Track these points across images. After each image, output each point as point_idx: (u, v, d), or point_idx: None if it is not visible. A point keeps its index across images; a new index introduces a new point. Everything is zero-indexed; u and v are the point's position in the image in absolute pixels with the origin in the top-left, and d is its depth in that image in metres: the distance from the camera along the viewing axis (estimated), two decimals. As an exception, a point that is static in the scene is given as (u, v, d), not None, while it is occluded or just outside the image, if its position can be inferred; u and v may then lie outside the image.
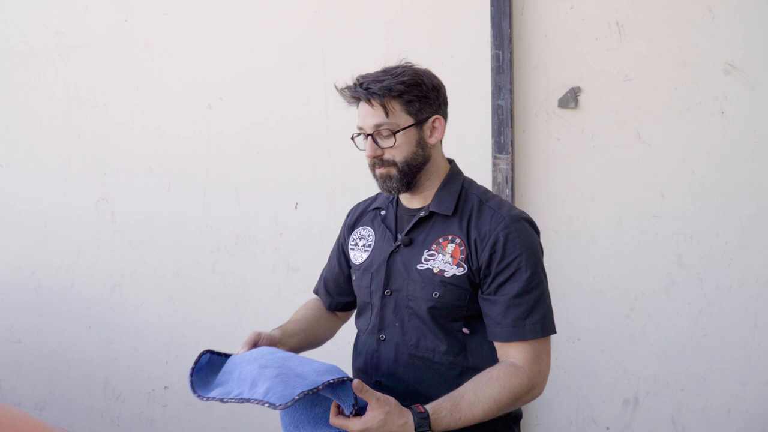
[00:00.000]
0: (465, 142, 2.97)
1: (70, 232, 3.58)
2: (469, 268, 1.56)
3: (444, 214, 1.61)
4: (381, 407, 1.39)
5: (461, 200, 1.63)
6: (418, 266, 1.59)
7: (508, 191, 2.84)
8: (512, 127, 2.85)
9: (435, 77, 1.65)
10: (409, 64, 1.63)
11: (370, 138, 1.59)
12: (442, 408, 1.45)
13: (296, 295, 3.03)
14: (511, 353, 1.54)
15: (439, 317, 1.58)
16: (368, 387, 1.40)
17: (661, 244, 2.77)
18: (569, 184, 2.85)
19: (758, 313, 2.68)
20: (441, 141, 1.69)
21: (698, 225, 2.73)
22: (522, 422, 2.85)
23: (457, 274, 1.56)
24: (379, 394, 1.41)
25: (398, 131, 1.57)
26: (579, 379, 2.86)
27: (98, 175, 3.53)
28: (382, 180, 1.62)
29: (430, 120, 1.62)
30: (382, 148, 1.58)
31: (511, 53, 2.85)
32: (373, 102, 1.56)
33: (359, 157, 2.87)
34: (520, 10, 2.88)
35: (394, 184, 1.61)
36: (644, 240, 2.78)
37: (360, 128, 1.62)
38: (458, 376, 1.59)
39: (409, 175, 1.61)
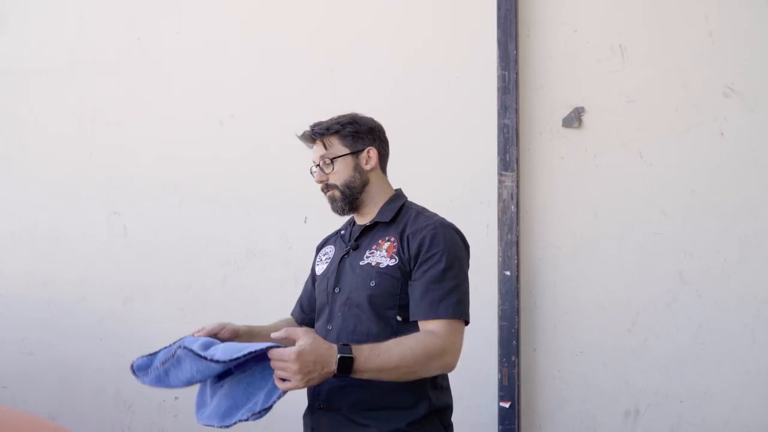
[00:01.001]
0: (471, 159, 3.06)
1: (81, 246, 3.64)
2: (400, 259, 1.83)
3: (383, 221, 1.92)
4: (308, 334, 1.62)
5: (400, 212, 1.94)
6: (361, 263, 1.88)
7: (513, 208, 2.92)
8: (517, 145, 2.93)
9: (372, 121, 2.02)
10: (353, 114, 2.00)
11: (318, 168, 1.96)
12: (365, 346, 1.67)
13: (306, 308, 3.09)
14: (429, 327, 1.76)
15: (376, 304, 1.82)
16: (293, 329, 1.64)
17: (662, 260, 2.85)
18: (572, 201, 2.93)
19: (756, 328, 2.76)
20: (384, 172, 2.03)
21: (698, 242, 2.81)
22: (525, 433, 2.95)
23: (390, 264, 1.84)
24: (304, 328, 1.74)
25: (335, 158, 1.94)
26: (582, 391, 2.93)
27: (110, 190, 3.60)
28: (331, 202, 1.96)
29: (365, 150, 1.96)
30: (326, 174, 1.94)
31: (516, 74, 2.93)
32: (316, 139, 1.97)
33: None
34: (525, 32, 2.97)
35: (339, 204, 1.95)
36: (646, 256, 2.86)
37: (313, 162, 2.00)
38: None
39: (350, 197, 1.94)
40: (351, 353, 1.61)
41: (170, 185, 3.51)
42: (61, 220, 3.68)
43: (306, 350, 1.57)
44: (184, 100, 3.51)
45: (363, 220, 1.99)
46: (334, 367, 1.59)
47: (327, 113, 3.21)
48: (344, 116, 1.99)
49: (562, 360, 2.94)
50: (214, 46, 3.47)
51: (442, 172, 3.08)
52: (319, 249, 2.18)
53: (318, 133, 1.96)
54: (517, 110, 2.93)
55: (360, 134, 1.97)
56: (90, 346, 3.61)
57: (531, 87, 2.97)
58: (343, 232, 2.08)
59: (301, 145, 3.26)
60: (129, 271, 3.56)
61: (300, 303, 2.24)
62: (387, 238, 1.88)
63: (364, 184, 1.96)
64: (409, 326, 1.80)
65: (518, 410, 2.90)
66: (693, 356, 2.82)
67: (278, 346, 1.59)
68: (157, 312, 3.51)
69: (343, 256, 1.96)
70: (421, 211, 1.95)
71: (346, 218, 2.13)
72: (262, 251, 3.38)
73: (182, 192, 3.50)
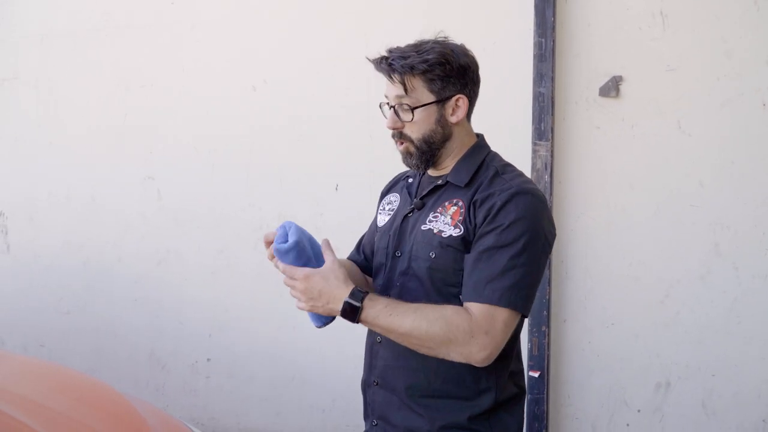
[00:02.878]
0: (505, 128, 3.02)
1: (117, 209, 3.70)
2: (466, 228, 1.53)
3: (457, 184, 1.60)
4: (333, 261, 1.51)
5: (478, 172, 1.60)
6: (422, 227, 1.59)
7: (547, 178, 2.89)
8: (553, 114, 2.90)
9: (466, 56, 1.61)
10: (443, 39, 1.62)
11: (392, 110, 1.60)
12: (380, 299, 1.49)
13: (337, 274, 3.12)
14: (472, 309, 1.48)
15: (436, 279, 1.55)
16: (327, 245, 1.55)
17: (698, 232, 2.81)
18: (608, 172, 2.90)
19: (793, 303, 2.72)
20: (469, 119, 1.67)
21: (736, 215, 2.77)
22: (553, 403, 2.96)
23: (453, 234, 1.53)
24: (336, 259, 1.53)
25: (416, 107, 1.57)
26: (612, 362, 2.93)
27: (145, 154, 3.64)
28: (404, 156, 1.63)
29: (453, 99, 1.59)
30: (402, 122, 1.59)
31: (553, 41, 2.88)
32: (394, 78, 1.57)
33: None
34: (564, -2, 2.91)
35: (414, 161, 1.62)
36: (681, 229, 2.83)
37: (385, 97, 1.63)
38: None
39: (428, 153, 1.60)
40: (360, 302, 1.45)
41: (204, 150, 3.54)
42: (96, 183, 3.74)
43: (315, 277, 1.47)
44: (217, 64, 3.51)
45: (436, 171, 1.66)
46: (338, 307, 1.46)
47: (360, 80, 3.24)
48: (430, 47, 1.57)
49: (592, 331, 2.93)
50: (247, 11, 3.46)
51: (476, 140, 3.05)
52: (385, 192, 1.85)
53: (397, 71, 1.55)
54: (553, 78, 2.89)
55: (450, 78, 1.57)
56: (125, 307, 3.69)
57: (568, 55, 2.92)
58: (411, 179, 1.75)
59: (334, 113, 3.30)
60: (163, 235, 3.62)
61: (362, 248, 1.90)
62: (454, 202, 1.57)
63: (446, 139, 1.61)
64: None
65: (547, 380, 2.91)
66: (726, 330, 2.80)
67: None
68: (190, 275, 3.58)
69: (407, 214, 1.66)
70: (502, 171, 1.59)
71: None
72: (294, 217, 3.38)
73: (215, 157, 3.52)
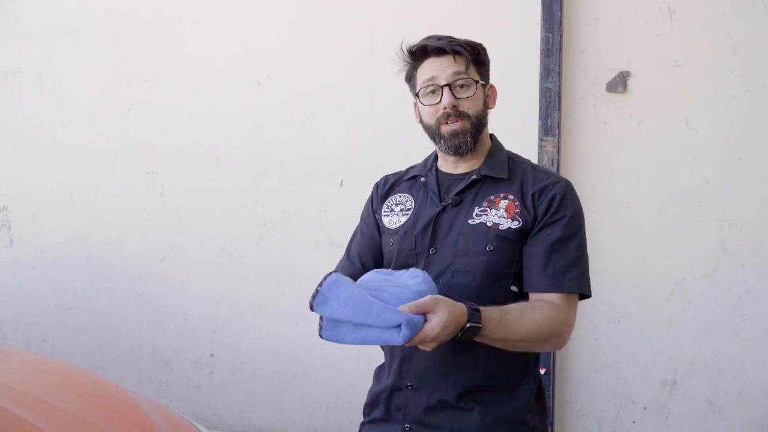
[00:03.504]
0: (512, 123, 2.99)
1: (120, 205, 3.69)
2: (525, 221, 1.56)
3: (499, 177, 1.62)
4: (441, 304, 1.38)
5: (510, 167, 1.65)
6: (470, 222, 1.59)
7: (552, 174, 2.87)
8: (559, 109, 2.88)
9: None
10: None
11: (446, 88, 1.59)
12: (493, 312, 1.45)
13: (341, 270, 3.11)
14: (548, 298, 1.54)
15: (492, 272, 1.56)
16: (423, 303, 1.38)
17: (705, 229, 2.79)
18: (615, 168, 2.88)
19: (800, 300, 2.70)
20: None
21: (743, 212, 2.75)
22: (558, 399, 2.94)
23: (512, 227, 1.56)
24: (432, 297, 1.40)
25: (477, 82, 1.61)
26: (618, 359, 2.91)
27: (148, 150, 3.62)
28: (453, 136, 1.61)
29: (489, 86, 1.69)
30: (458, 99, 1.59)
31: (560, 36, 2.86)
32: (456, 55, 1.60)
33: (403, 135, 2.92)
34: (570, -7, 2.89)
35: (467, 139, 1.61)
36: (687, 225, 2.81)
37: (430, 81, 1.62)
38: None
39: (477, 133, 1.63)
40: (480, 322, 1.41)
41: (207, 145, 3.52)
42: (100, 179, 3.73)
43: (447, 323, 1.36)
44: (221, 60, 3.50)
45: (458, 168, 1.67)
46: (459, 332, 1.41)
47: (364, 76, 3.22)
48: (473, 40, 1.65)
49: (598, 327, 2.92)
50: (250, 6, 3.44)
51: (481, 136, 3.04)
52: (384, 195, 1.79)
53: (461, 46, 1.59)
54: (560, 74, 2.87)
55: (487, 66, 1.67)
56: (128, 303, 3.68)
57: (575, 50, 2.90)
58: (422, 179, 1.73)
59: (338, 109, 3.27)
60: (166, 231, 3.60)
61: (359, 257, 1.78)
62: (502, 195, 1.59)
63: (485, 124, 1.66)
64: (522, 299, 1.58)
65: (553, 377, 2.89)
66: (732, 327, 2.78)
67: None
68: (193, 271, 3.56)
69: (440, 211, 1.64)
70: (534, 165, 1.68)
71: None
72: (298, 213, 3.39)
73: (219, 152, 3.51)
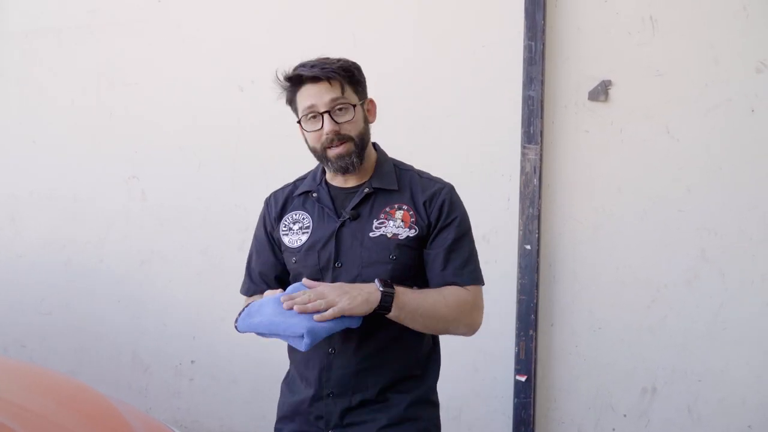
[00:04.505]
0: (494, 131, 3.02)
1: (100, 209, 3.65)
2: (420, 228, 1.71)
3: (389, 188, 1.74)
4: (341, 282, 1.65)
5: (398, 176, 1.77)
6: (371, 234, 1.70)
7: (535, 181, 2.88)
8: (542, 118, 2.89)
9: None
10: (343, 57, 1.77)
11: (327, 115, 1.66)
12: (404, 288, 1.64)
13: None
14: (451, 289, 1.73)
15: (395, 277, 1.67)
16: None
17: (685, 238, 2.81)
18: (596, 176, 2.90)
19: (779, 308, 2.73)
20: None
21: (723, 220, 2.77)
22: (540, 407, 2.95)
23: (410, 235, 1.70)
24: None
25: (354, 105, 1.69)
26: (598, 367, 2.92)
27: (129, 153, 3.60)
28: (339, 158, 1.68)
29: (367, 101, 1.76)
30: (339, 123, 1.66)
31: (543, 45, 2.88)
32: (331, 80, 1.66)
33: (387, 141, 2.92)
34: (554, 2, 2.90)
35: (353, 159, 1.69)
36: (668, 233, 2.83)
37: (310, 108, 1.69)
38: (404, 331, 1.69)
39: (362, 151, 1.71)
40: (392, 287, 1.59)
41: (189, 150, 3.50)
42: (79, 182, 3.69)
43: (338, 284, 1.62)
44: (204, 63, 3.48)
45: (349, 182, 1.76)
46: (376, 296, 1.57)
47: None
48: (340, 59, 1.73)
49: (579, 335, 2.93)
50: (234, 10, 3.43)
51: (465, 143, 3.05)
52: (279, 214, 1.86)
53: (334, 72, 1.66)
54: (542, 82, 2.88)
55: (362, 83, 1.75)
56: (107, 308, 3.64)
57: (557, 58, 2.92)
58: (315, 194, 1.80)
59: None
60: (147, 235, 3.58)
61: (262, 278, 1.88)
62: (398, 206, 1.72)
63: (368, 139, 1.75)
64: None
65: (534, 384, 2.90)
66: (712, 335, 2.80)
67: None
68: (174, 275, 3.53)
69: (340, 226, 1.73)
70: (419, 172, 1.81)
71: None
72: (281, 218, 3.37)
73: (201, 156, 3.49)
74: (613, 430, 2.91)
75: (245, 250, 3.39)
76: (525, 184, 2.90)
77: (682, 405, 2.84)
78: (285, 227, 1.82)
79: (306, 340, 1.52)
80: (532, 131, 2.89)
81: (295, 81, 1.72)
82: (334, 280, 1.69)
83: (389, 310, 1.59)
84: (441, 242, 1.71)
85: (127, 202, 3.60)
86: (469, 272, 1.72)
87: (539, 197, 2.88)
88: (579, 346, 2.92)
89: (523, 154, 2.91)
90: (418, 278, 1.74)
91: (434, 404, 1.82)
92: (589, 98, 2.89)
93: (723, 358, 2.79)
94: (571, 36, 2.91)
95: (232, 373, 3.47)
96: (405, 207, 1.72)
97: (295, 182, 1.92)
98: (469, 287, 1.72)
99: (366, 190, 1.74)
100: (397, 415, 1.70)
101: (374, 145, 1.82)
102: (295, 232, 1.78)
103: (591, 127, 2.90)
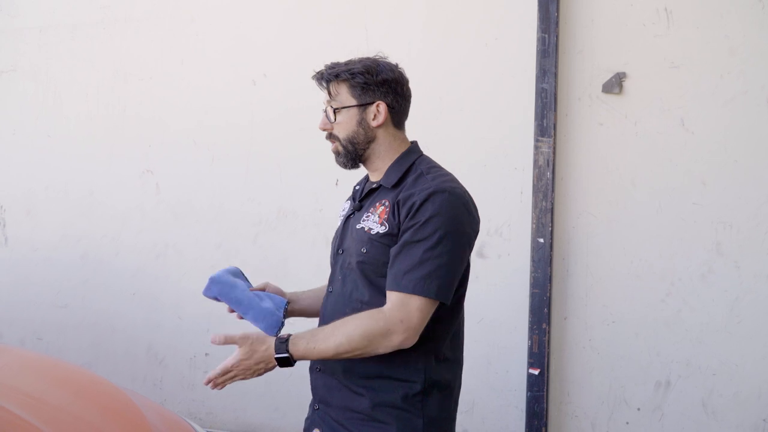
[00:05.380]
0: (507, 124, 3.01)
1: (115, 203, 3.68)
2: (390, 225, 1.69)
3: (388, 186, 1.76)
4: (245, 341, 1.66)
5: (406, 175, 1.76)
6: (357, 226, 1.76)
7: (549, 174, 2.87)
8: (555, 110, 2.88)
9: (392, 71, 1.80)
10: (379, 58, 1.83)
11: (323, 114, 1.80)
12: (302, 336, 1.66)
13: (337, 270, 3.11)
14: (389, 298, 1.66)
15: (367, 271, 1.71)
16: (231, 334, 1.67)
17: (700, 231, 2.80)
18: (610, 169, 2.88)
19: (795, 302, 2.71)
20: (398, 126, 1.82)
21: (738, 213, 2.75)
22: (553, 400, 2.95)
23: (380, 231, 1.70)
24: (241, 332, 1.68)
25: (338, 109, 1.76)
26: (612, 360, 2.92)
27: (143, 148, 3.62)
28: (334, 155, 1.81)
29: (374, 105, 1.76)
30: (331, 123, 1.78)
31: (557, 37, 2.86)
32: (329, 83, 1.79)
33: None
34: (567, -6, 2.89)
35: (342, 159, 1.79)
36: (683, 227, 2.81)
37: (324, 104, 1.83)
38: None
39: (353, 153, 1.77)
40: (286, 352, 1.63)
41: (203, 144, 3.52)
42: (95, 177, 3.72)
43: (245, 358, 1.66)
44: (217, 58, 3.49)
45: (374, 176, 1.83)
46: (274, 364, 1.66)
47: (361, 74, 3.22)
48: (360, 62, 1.79)
49: (593, 329, 2.92)
50: (247, 4, 3.44)
51: (477, 136, 3.04)
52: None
53: (326, 78, 1.78)
54: (556, 74, 2.87)
55: (370, 86, 1.76)
56: (123, 301, 3.67)
57: (571, 51, 2.90)
58: (357, 187, 1.91)
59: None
60: (161, 229, 3.60)
61: None
62: (383, 202, 1.74)
63: (369, 140, 1.77)
64: None
65: (547, 377, 2.90)
66: (727, 329, 2.79)
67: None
68: (189, 269, 3.56)
69: (349, 216, 1.84)
70: (426, 172, 1.74)
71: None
72: (294, 212, 3.38)
73: (215, 151, 3.50)
74: (627, 423, 2.91)
75: (258, 243, 3.45)
76: (538, 178, 2.89)
77: (696, 399, 2.83)
78: (340, 215, 1.95)
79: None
80: (545, 124, 2.88)
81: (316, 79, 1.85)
82: (335, 265, 1.82)
83: (292, 365, 1.66)
84: (399, 242, 1.67)
85: (142, 196, 3.63)
86: (409, 280, 1.60)
87: (552, 190, 2.87)
88: (592, 340, 2.92)
89: (537, 147, 2.90)
90: None
91: (412, 414, 1.70)
92: (603, 91, 2.87)
93: (738, 351, 2.77)
94: (585, 28, 2.89)
95: (246, 366, 3.48)
96: (387, 203, 1.72)
97: (363, 177, 1.98)
98: (402, 296, 1.61)
99: (374, 185, 1.80)
100: (365, 411, 1.71)
101: (412, 143, 1.85)
102: (340, 219, 1.92)
103: (605, 119, 2.88)
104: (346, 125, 1.76)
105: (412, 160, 1.79)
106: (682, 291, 2.83)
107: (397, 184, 1.74)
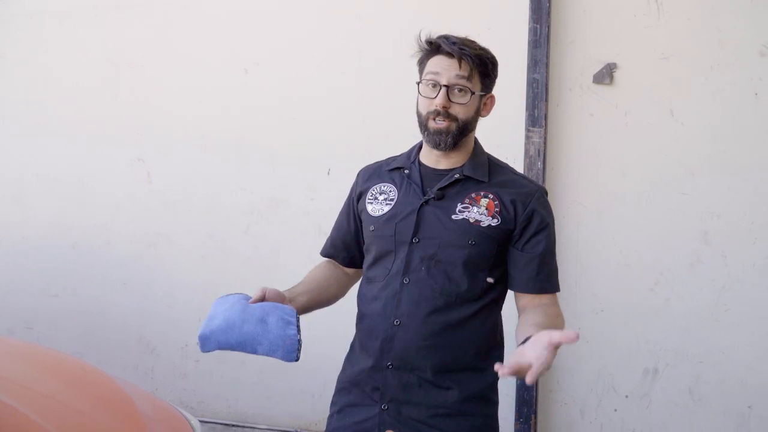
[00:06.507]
0: (499, 114, 2.96)
1: (106, 191, 3.66)
2: (503, 219, 1.71)
3: (479, 179, 1.75)
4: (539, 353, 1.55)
5: (491, 170, 1.78)
6: (453, 216, 1.72)
7: (539, 164, 2.89)
8: (546, 101, 2.89)
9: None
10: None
11: (444, 89, 1.70)
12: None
13: (328, 259, 3.12)
14: (543, 301, 1.74)
15: (470, 265, 1.71)
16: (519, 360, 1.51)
17: (689, 221, 2.83)
18: (600, 159, 2.90)
19: (781, 291, 2.74)
20: None
21: (726, 203, 2.78)
22: (542, 387, 2.97)
23: (492, 224, 1.71)
24: (520, 359, 1.52)
25: (474, 93, 1.71)
26: (601, 348, 2.95)
27: (135, 136, 3.60)
28: (437, 133, 1.72)
29: (488, 96, 1.77)
30: (451, 102, 1.70)
31: (548, 27, 2.87)
32: (463, 61, 1.69)
33: (392, 124, 2.92)
34: (559, -16, 2.90)
35: (449, 139, 1.72)
36: (672, 216, 2.84)
37: (434, 76, 1.72)
38: (471, 317, 1.73)
39: (460, 136, 1.73)
40: None
41: (194, 132, 3.51)
42: (85, 165, 3.70)
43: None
44: (209, 46, 3.48)
45: (441, 164, 1.79)
46: None
47: (353, 63, 3.22)
48: (485, 51, 1.75)
49: (582, 317, 2.95)
50: (240, -8, 3.43)
51: (469, 126, 3.05)
52: (367, 186, 1.89)
53: (470, 56, 1.69)
54: (547, 65, 2.88)
55: (492, 78, 1.77)
56: (114, 290, 3.66)
57: (562, 41, 2.92)
58: (407, 171, 1.83)
59: (327, 97, 3.27)
60: (153, 218, 3.59)
61: (333, 243, 1.99)
62: (483, 194, 1.73)
63: (473, 129, 1.78)
64: (495, 287, 1.75)
65: (537, 365, 2.92)
66: (714, 317, 2.82)
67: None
68: (180, 258, 3.55)
69: (423, 203, 1.76)
70: (513, 171, 1.83)
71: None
72: (286, 201, 3.39)
73: (206, 139, 3.50)
74: (615, 410, 2.94)
75: (251, 232, 3.46)
76: (529, 167, 2.90)
77: (683, 386, 2.87)
78: (371, 196, 1.86)
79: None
80: (536, 114, 2.89)
81: (434, 48, 1.75)
82: (407, 255, 1.74)
83: None
84: (533, 248, 1.73)
85: (133, 185, 3.61)
86: (556, 281, 1.78)
87: (543, 180, 2.89)
88: (582, 329, 2.94)
89: (528, 137, 2.91)
90: (494, 270, 1.75)
91: (493, 402, 1.79)
92: (594, 81, 2.89)
93: (724, 340, 2.81)
94: (577, 19, 2.90)
95: (238, 355, 3.46)
96: (491, 196, 1.73)
97: (387, 159, 1.94)
98: (554, 296, 1.77)
99: (456, 175, 1.76)
100: (452, 405, 1.71)
101: (475, 139, 1.85)
102: (380, 202, 1.83)
103: (596, 110, 2.90)
104: (468, 109, 1.72)
105: (485, 155, 1.83)
106: (671, 280, 2.86)
107: (490, 179, 1.76)
